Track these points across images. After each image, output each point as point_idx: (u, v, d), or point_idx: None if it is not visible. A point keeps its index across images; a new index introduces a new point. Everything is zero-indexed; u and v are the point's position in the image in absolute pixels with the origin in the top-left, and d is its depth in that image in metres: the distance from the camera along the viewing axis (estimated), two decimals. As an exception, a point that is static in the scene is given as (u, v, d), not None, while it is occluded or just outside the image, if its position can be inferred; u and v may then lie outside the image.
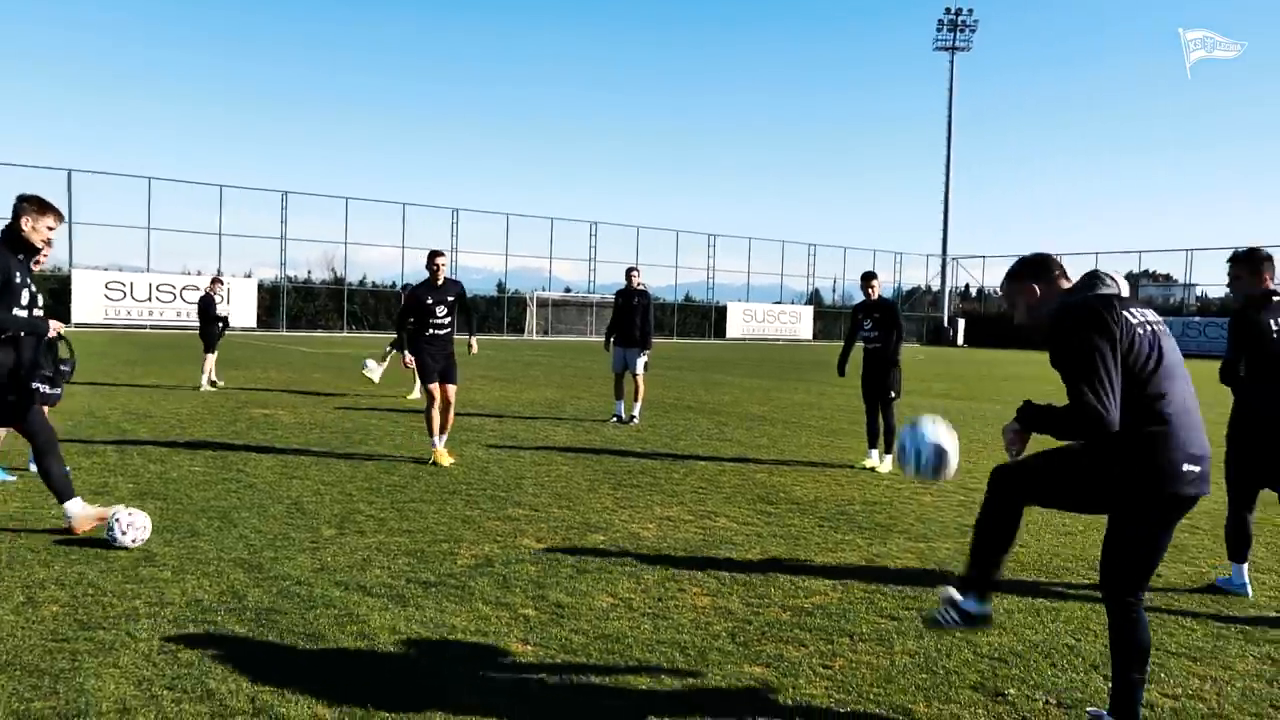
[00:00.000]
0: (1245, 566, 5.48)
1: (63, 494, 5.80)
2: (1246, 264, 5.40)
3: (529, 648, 4.23)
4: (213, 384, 15.87)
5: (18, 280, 5.62)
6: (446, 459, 8.98)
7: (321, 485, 7.72)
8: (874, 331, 9.75)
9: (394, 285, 48.90)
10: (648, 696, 3.72)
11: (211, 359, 15.99)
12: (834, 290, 67.80)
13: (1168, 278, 63.59)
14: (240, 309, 41.92)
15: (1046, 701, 3.82)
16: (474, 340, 10.42)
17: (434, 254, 9.29)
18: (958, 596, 3.66)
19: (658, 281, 56.65)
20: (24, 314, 5.68)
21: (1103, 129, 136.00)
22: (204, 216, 48.84)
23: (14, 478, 7.42)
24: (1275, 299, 5.34)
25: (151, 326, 40.27)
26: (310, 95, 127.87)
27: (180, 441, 9.74)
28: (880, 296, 9.95)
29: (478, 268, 54.44)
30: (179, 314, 41.30)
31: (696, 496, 7.80)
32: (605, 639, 4.35)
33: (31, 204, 5.72)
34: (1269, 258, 5.43)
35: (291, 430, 10.99)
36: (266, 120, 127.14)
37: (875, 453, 9.64)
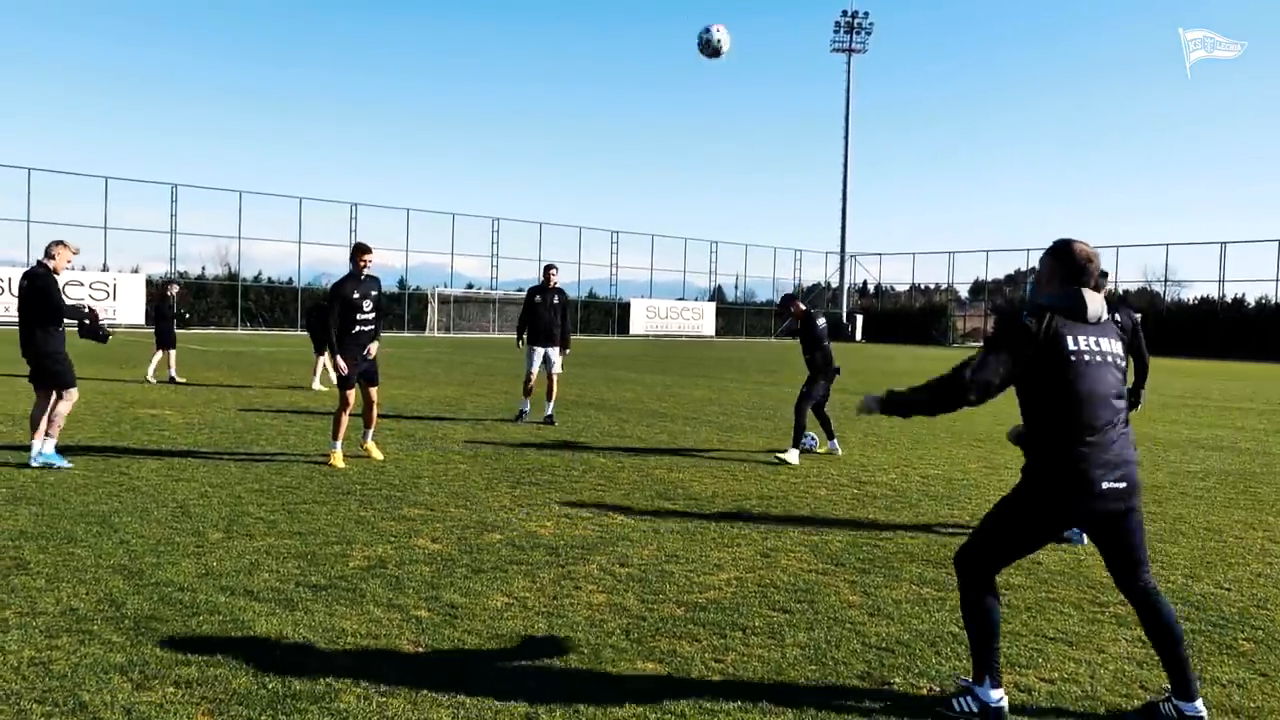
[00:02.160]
0: None
1: None
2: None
3: (420, 650, 4.18)
4: (172, 380, 16.43)
5: None
6: (377, 453, 9.30)
7: (209, 487, 7.47)
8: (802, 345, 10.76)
9: (290, 281, 47.64)
10: (538, 696, 3.71)
11: (159, 356, 16.67)
12: (736, 287, 68.76)
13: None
14: (128, 306, 40.47)
15: (930, 690, 3.95)
16: (374, 346, 9.44)
17: (364, 248, 9.21)
18: (973, 685, 3.62)
19: (560, 278, 56.39)
20: None
21: (991, 129, 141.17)
22: (89, 210, 46.68)
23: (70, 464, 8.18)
24: None
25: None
26: (200, 84, 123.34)
27: (58, 443, 9.27)
28: (805, 311, 10.74)
29: (377, 264, 53.07)
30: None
31: (595, 494, 7.81)
32: (498, 639, 4.33)
33: None
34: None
35: (179, 431, 10.61)
36: (155, 110, 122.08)
37: None
